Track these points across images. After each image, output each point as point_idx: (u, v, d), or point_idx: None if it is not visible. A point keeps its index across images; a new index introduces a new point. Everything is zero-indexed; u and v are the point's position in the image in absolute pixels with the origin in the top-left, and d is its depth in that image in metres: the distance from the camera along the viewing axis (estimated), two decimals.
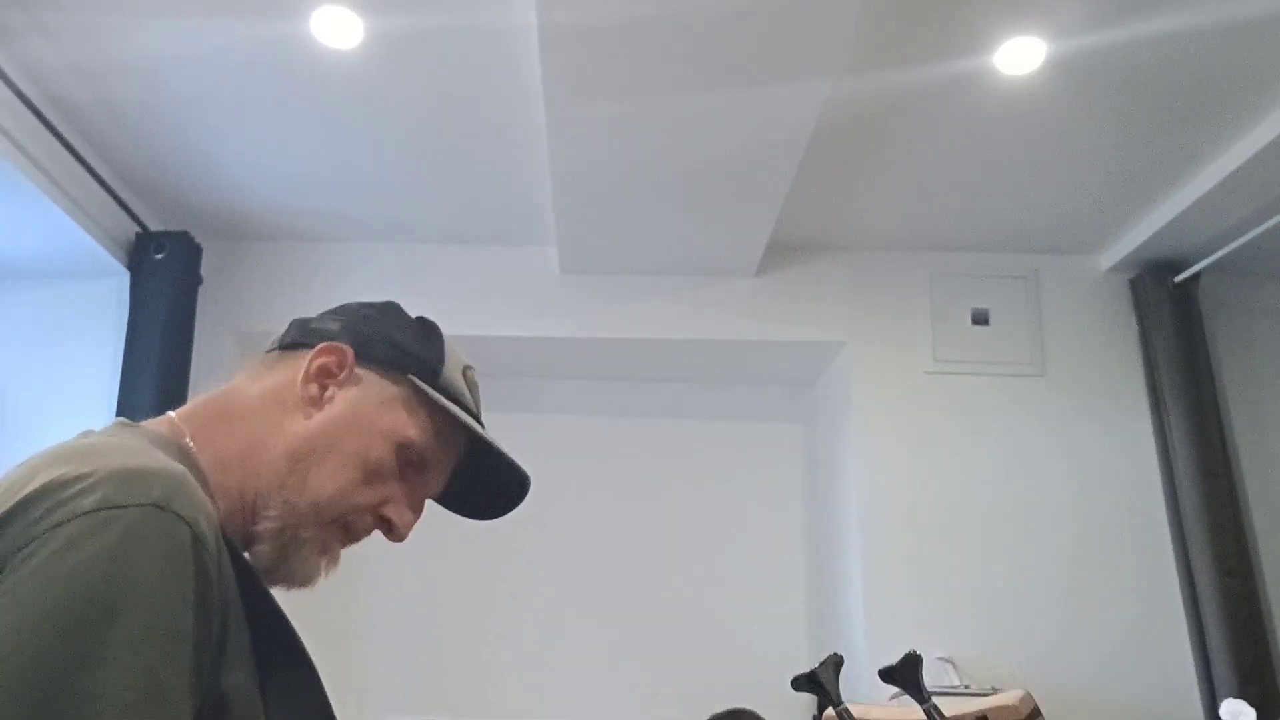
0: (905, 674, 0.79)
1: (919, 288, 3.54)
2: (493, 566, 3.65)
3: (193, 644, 0.74)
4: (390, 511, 1.00)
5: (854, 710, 0.82)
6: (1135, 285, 3.49)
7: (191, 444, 0.92)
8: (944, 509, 3.30)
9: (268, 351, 1.05)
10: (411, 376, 1.01)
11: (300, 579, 0.97)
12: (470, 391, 1.07)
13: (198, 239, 3.38)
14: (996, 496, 3.31)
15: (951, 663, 3.00)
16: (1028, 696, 0.77)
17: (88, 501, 0.74)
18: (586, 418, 3.84)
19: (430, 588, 3.63)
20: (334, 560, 1.01)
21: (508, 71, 2.64)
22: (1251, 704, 2.63)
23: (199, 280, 3.39)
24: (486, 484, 1.10)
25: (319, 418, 0.97)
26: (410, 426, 1.00)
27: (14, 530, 0.73)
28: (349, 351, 1.00)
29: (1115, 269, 3.52)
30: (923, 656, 0.82)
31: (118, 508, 0.74)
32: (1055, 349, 3.48)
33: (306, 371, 0.99)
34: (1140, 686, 3.16)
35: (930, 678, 2.75)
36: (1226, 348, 3.47)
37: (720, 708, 2.59)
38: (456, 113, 2.84)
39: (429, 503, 1.08)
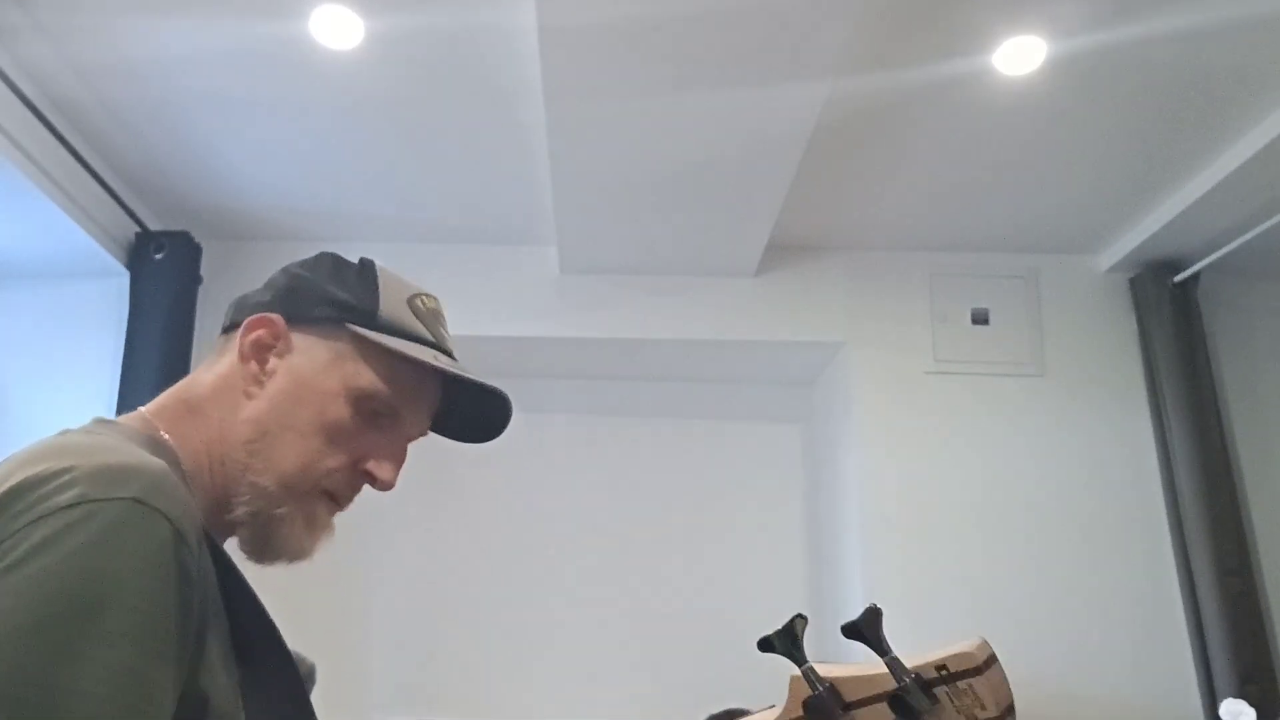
0: (867, 628, 0.80)
1: (919, 288, 3.54)
2: (493, 566, 3.65)
3: (174, 640, 0.73)
4: (369, 465, 0.98)
5: (819, 669, 0.82)
6: (1135, 285, 3.49)
7: (167, 438, 0.92)
8: (944, 509, 3.30)
9: (219, 337, 1.03)
10: (350, 326, 0.97)
11: (290, 554, 0.96)
12: (425, 320, 1.02)
13: (198, 239, 3.39)
14: (996, 497, 3.31)
15: None
16: (984, 644, 0.78)
17: (67, 496, 0.73)
18: (586, 418, 3.84)
19: (430, 588, 3.63)
20: (327, 528, 0.98)
21: (507, 71, 2.64)
22: (1251, 704, 2.64)
23: (199, 280, 3.40)
24: (471, 410, 1.07)
25: (265, 395, 0.95)
26: (360, 377, 0.96)
27: None
28: (278, 320, 0.97)
29: (1115, 269, 3.52)
30: (883, 609, 0.83)
31: (97, 501, 0.73)
32: (1055, 349, 3.48)
33: (241, 350, 0.96)
34: (1140, 686, 3.16)
35: None
36: (1226, 348, 3.47)
37: (718, 708, 2.59)
38: (456, 112, 2.84)
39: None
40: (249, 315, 0.98)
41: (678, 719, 2.93)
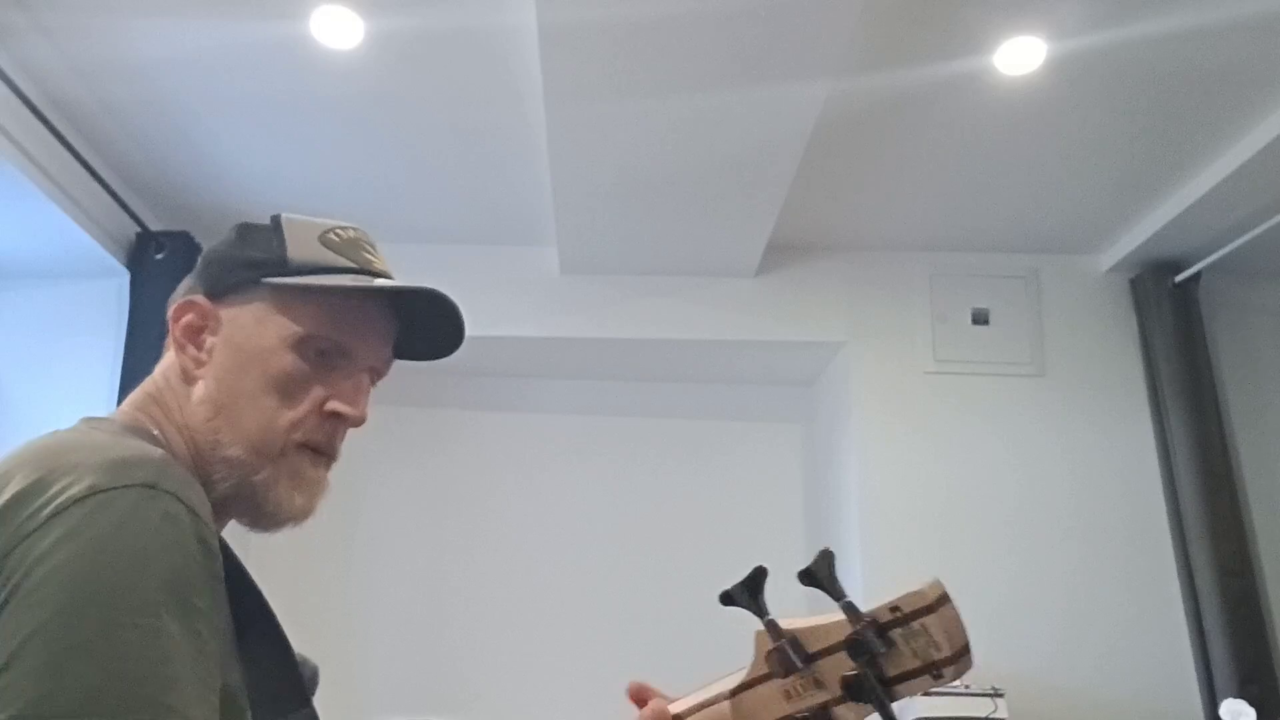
0: (820, 572, 0.80)
1: (919, 288, 3.54)
2: (493, 566, 3.65)
3: (205, 612, 0.75)
4: (333, 405, 0.96)
5: (782, 623, 0.82)
6: (1135, 285, 3.49)
7: (156, 432, 0.93)
8: (944, 509, 3.30)
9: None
10: (265, 280, 0.97)
11: (287, 515, 0.95)
12: (343, 250, 1.01)
13: (198, 239, 3.38)
14: (996, 496, 3.31)
15: None
16: (937, 583, 0.78)
17: (79, 489, 0.74)
18: (586, 418, 3.84)
19: (430, 588, 3.63)
20: (318, 483, 0.97)
21: (508, 71, 2.64)
22: (1251, 704, 2.64)
23: None
24: (424, 321, 1.05)
25: (209, 373, 0.95)
26: (292, 324, 0.95)
27: (3, 534, 0.73)
28: (200, 300, 0.98)
29: (1115, 269, 3.52)
30: (835, 553, 0.83)
31: (110, 490, 0.74)
32: (1055, 349, 3.48)
33: (176, 339, 0.98)
34: (1140, 686, 3.16)
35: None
36: (1226, 348, 3.47)
37: None
38: (456, 112, 2.84)
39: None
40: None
41: None
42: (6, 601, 0.70)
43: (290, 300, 0.96)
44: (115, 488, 0.74)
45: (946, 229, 3.45)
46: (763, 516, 3.73)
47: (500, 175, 3.15)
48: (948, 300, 3.52)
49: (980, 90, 2.70)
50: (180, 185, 3.24)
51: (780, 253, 3.49)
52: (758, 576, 0.85)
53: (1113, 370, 3.45)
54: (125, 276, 3.28)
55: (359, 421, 0.98)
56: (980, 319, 3.52)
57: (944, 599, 0.78)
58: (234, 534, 0.96)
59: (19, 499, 0.75)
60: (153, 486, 0.76)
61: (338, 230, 1.03)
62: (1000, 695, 2.85)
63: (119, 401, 3.22)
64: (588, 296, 3.51)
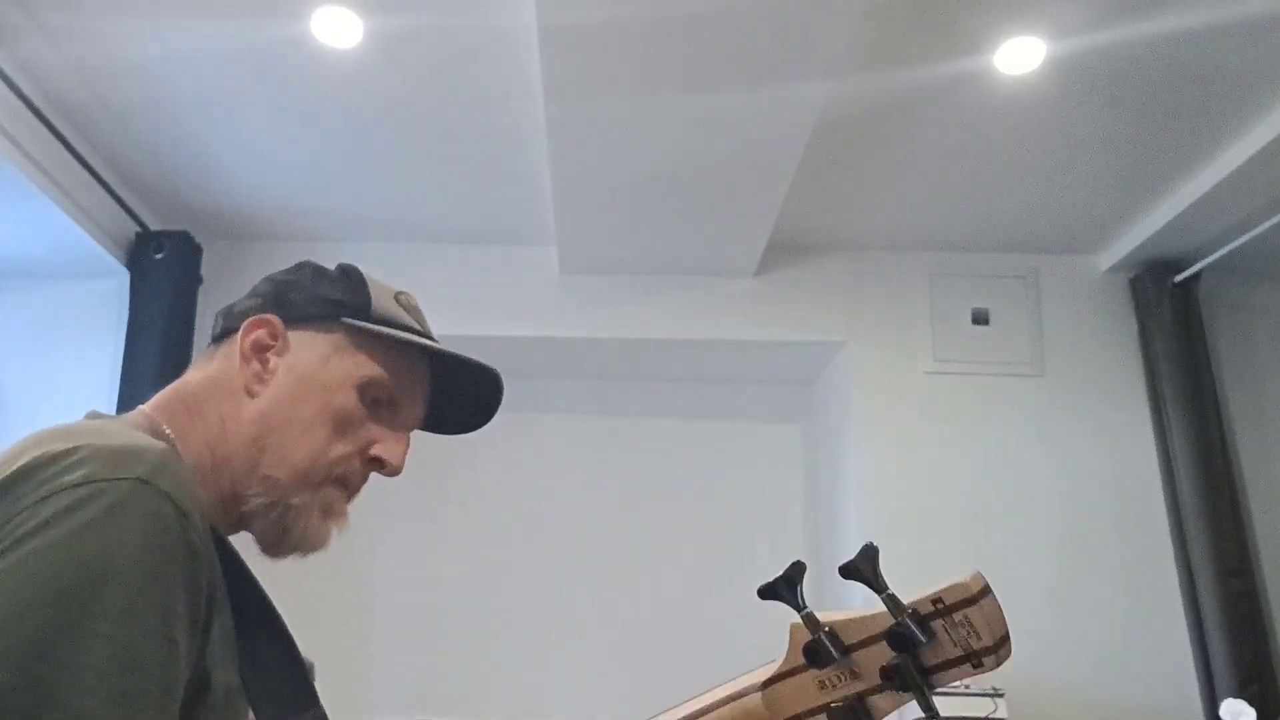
0: (864, 566, 0.81)
1: (919, 288, 3.54)
2: (493, 566, 3.65)
3: (181, 618, 0.74)
4: (377, 450, 1.00)
5: (819, 616, 0.82)
6: (1135, 285, 3.49)
7: (169, 433, 0.93)
8: (944, 508, 3.30)
9: (209, 346, 1.05)
10: (345, 319, 1.00)
11: (308, 545, 0.97)
12: (410, 314, 1.05)
13: (198, 239, 3.39)
14: (996, 496, 3.31)
15: None
16: (979, 575, 0.79)
17: (74, 476, 0.75)
18: (586, 418, 3.84)
19: (431, 588, 3.63)
20: (341, 517, 1.00)
21: (507, 71, 2.64)
22: (1251, 704, 2.64)
23: (199, 280, 3.40)
24: (463, 396, 1.09)
25: (268, 393, 0.97)
26: (362, 366, 0.99)
27: (2, 508, 0.74)
28: (276, 320, 0.99)
29: (1115, 269, 3.52)
30: (879, 548, 0.84)
31: (103, 481, 0.74)
32: (1055, 349, 3.48)
33: (242, 351, 0.98)
34: (1140, 686, 3.16)
35: None
36: (1226, 348, 3.47)
37: None
38: (456, 113, 2.84)
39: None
40: (242, 320, 1.00)
41: None
42: None
43: (364, 344, 1.00)
44: (108, 479, 0.75)
45: (946, 229, 3.45)
46: (763, 516, 3.73)
47: (500, 175, 3.15)
48: (948, 300, 3.53)
49: (980, 90, 2.71)
50: (180, 185, 3.24)
51: (780, 253, 3.49)
52: (796, 570, 0.86)
53: (1112, 370, 3.45)
54: (125, 276, 3.28)
55: (395, 473, 1.03)
56: (980, 319, 3.52)
57: (986, 590, 0.81)
58: (236, 534, 0.96)
59: (24, 473, 0.76)
60: (146, 482, 0.76)
61: (405, 294, 1.08)
62: (1000, 695, 2.85)
63: (119, 401, 3.23)
64: (588, 296, 3.51)
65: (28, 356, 3.26)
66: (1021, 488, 3.32)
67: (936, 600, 0.81)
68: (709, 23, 2.26)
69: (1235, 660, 3.02)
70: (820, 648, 0.84)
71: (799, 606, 0.86)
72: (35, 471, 0.76)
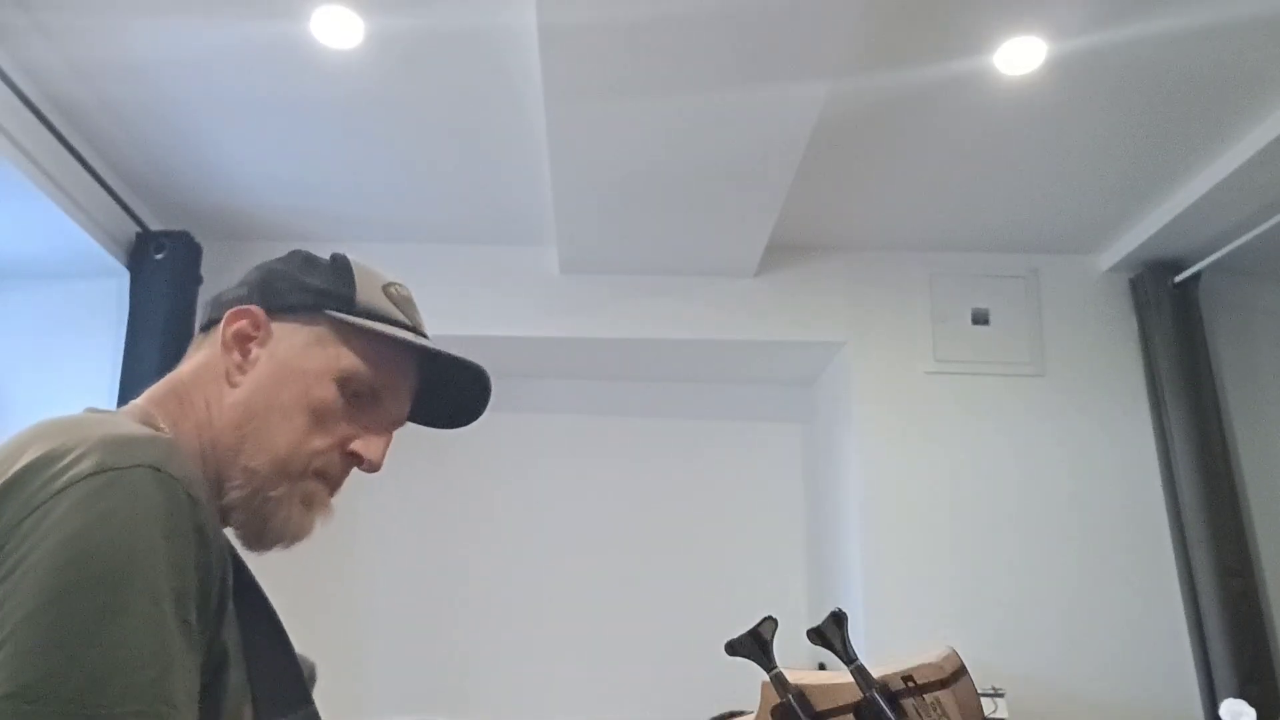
0: (831, 633, 0.78)
1: (919, 288, 3.54)
2: (493, 566, 3.65)
3: (194, 600, 0.76)
4: (355, 446, 0.99)
5: (789, 675, 0.81)
6: (1135, 285, 3.49)
7: (164, 426, 0.93)
8: (944, 509, 3.30)
9: (198, 335, 1.05)
10: (328, 312, 1.00)
11: (288, 536, 0.97)
12: (400, 306, 1.04)
13: (198, 239, 3.39)
14: (996, 496, 3.31)
15: None
16: (953, 654, 0.76)
17: (86, 465, 0.76)
18: (586, 418, 3.84)
19: (430, 588, 3.63)
20: (324, 509, 0.99)
21: (508, 71, 2.64)
22: (1251, 704, 2.64)
23: (199, 280, 3.39)
24: (450, 392, 1.08)
25: (249, 381, 0.97)
26: (342, 359, 0.98)
27: (12, 505, 0.75)
28: (258, 310, 0.99)
29: (1115, 269, 3.52)
30: (848, 615, 0.81)
31: (117, 470, 0.75)
32: (1055, 349, 3.48)
33: (224, 341, 0.98)
34: (1140, 686, 3.16)
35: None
36: (1226, 347, 3.47)
37: (719, 709, 2.58)
38: (456, 112, 2.84)
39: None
40: (227, 309, 1.00)
41: (678, 719, 2.93)
42: (13, 571, 0.71)
43: (346, 337, 0.99)
44: (121, 467, 0.76)
45: (946, 229, 3.45)
46: (763, 516, 3.73)
47: (500, 175, 3.15)
48: (948, 300, 3.53)
49: (980, 90, 2.70)
50: (180, 185, 3.24)
51: (780, 253, 3.49)
52: (765, 627, 0.84)
53: (1113, 370, 3.45)
54: (125, 276, 3.28)
55: (374, 469, 1.01)
56: (980, 319, 3.52)
57: (960, 672, 0.76)
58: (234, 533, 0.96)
59: (32, 469, 0.77)
60: (157, 469, 0.77)
61: (396, 285, 1.07)
62: (1000, 695, 2.85)
63: (119, 401, 3.23)
64: (588, 296, 3.51)
65: (28, 356, 3.26)
66: (1021, 488, 3.32)
67: (907, 678, 0.78)
68: (709, 23, 2.26)
69: (1235, 660, 3.02)
70: (790, 712, 0.82)
71: (768, 666, 0.84)
72: (45, 465, 0.76)
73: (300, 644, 0.94)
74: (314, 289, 1.01)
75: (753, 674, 0.88)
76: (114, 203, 3.12)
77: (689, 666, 3.47)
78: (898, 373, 3.45)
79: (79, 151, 2.90)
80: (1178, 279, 3.38)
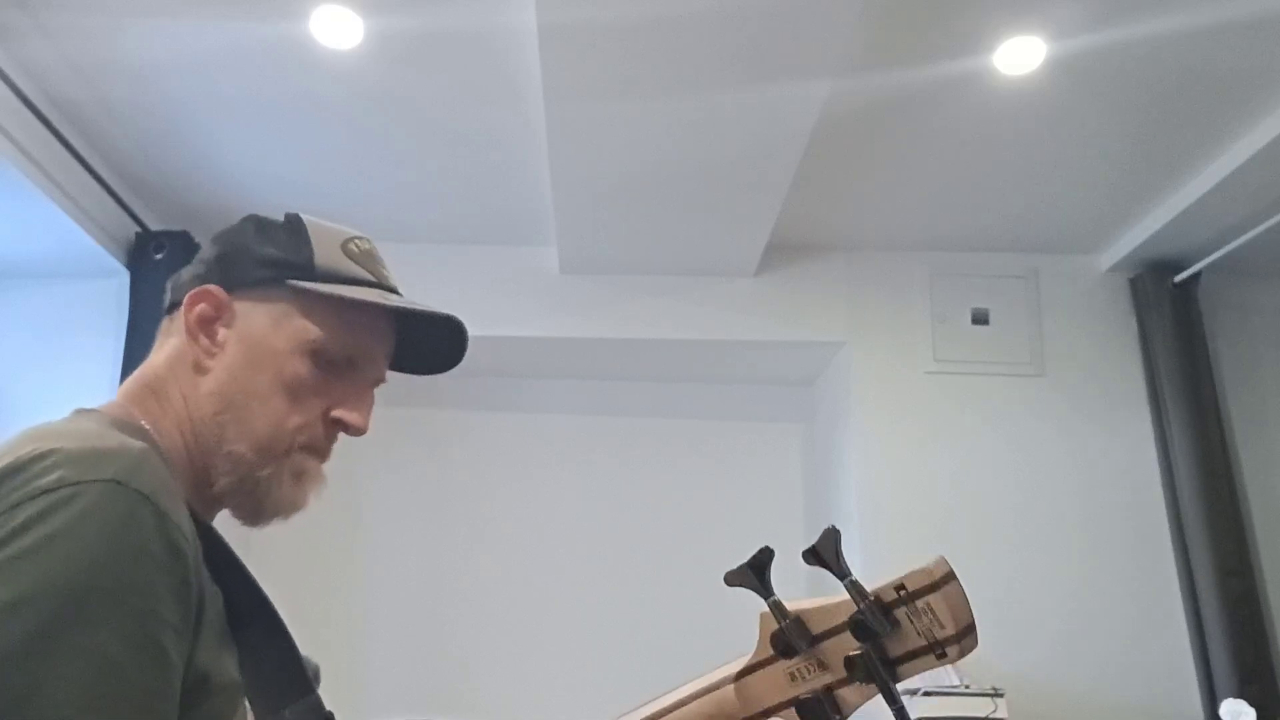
0: (825, 550, 0.79)
1: (919, 288, 3.54)
2: (493, 566, 3.65)
3: (167, 619, 0.74)
4: (338, 414, 0.98)
5: (786, 604, 0.81)
6: (1135, 285, 3.49)
7: (145, 424, 0.92)
8: (944, 509, 3.30)
9: (164, 319, 1.03)
10: (289, 282, 0.97)
11: (286, 508, 0.96)
12: (362, 262, 1.01)
13: (198, 239, 3.38)
14: (996, 496, 3.31)
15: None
16: (942, 560, 0.77)
17: (48, 480, 0.74)
18: (587, 418, 3.84)
19: (430, 588, 3.63)
20: (316, 480, 0.98)
21: (508, 71, 2.64)
22: (1251, 704, 2.64)
23: None
24: (426, 340, 1.06)
25: (220, 366, 0.95)
26: (310, 331, 0.96)
27: None
28: (217, 290, 0.97)
29: (1115, 269, 3.52)
30: (841, 532, 0.82)
31: (78, 484, 0.74)
32: (1055, 349, 3.48)
33: (188, 327, 0.96)
34: (1140, 686, 3.16)
35: (931, 677, 2.74)
36: (1226, 348, 3.47)
37: None
38: (456, 112, 2.84)
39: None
40: (187, 290, 0.98)
41: None
42: None
43: (311, 306, 0.97)
44: (82, 482, 0.74)
45: (946, 229, 3.45)
46: (763, 516, 3.73)
47: (500, 175, 3.15)
48: (948, 300, 3.53)
49: (980, 90, 2.70)
50: (180, 185, 3.24)
51: (780, 253, 3.49)
52: (763, 556, 0.84)
53: (1113, 370, 3.45)
54: (125, 276, 3.28)
55: (361, 432, 0.99)
56: (980, 319, 3.52)
57: (949, 576, 0.77)
58: (234, 532, 0.96)
59: (2, 475, 0.76)
60: (120, 483, 0.75)
61: (356, 241, 1.03)
62: (1000, 695, 2.85)
63: None
64: (588, 296, 3.51)
65: (28, 356, 3.26)
66: (1021, 488, 3.32)
67: (899, 587, 0.78)
68: (709, 23, 2.26)
69: (1235, 660, 3.02)
70: (787, 638, 0.82)
71: (766, 594, 0.84)
72: (10, 477, 0.75)
73: (301, 644, 0.94)
74: (271, 260, 0.98)
75: None
76: (114, 202, 3.12)
77: (689, 666, 3.48)
78: (897, 373, 3.45)
79: (79, 151, 2.90)
80: (1178, 279, 3.38)
